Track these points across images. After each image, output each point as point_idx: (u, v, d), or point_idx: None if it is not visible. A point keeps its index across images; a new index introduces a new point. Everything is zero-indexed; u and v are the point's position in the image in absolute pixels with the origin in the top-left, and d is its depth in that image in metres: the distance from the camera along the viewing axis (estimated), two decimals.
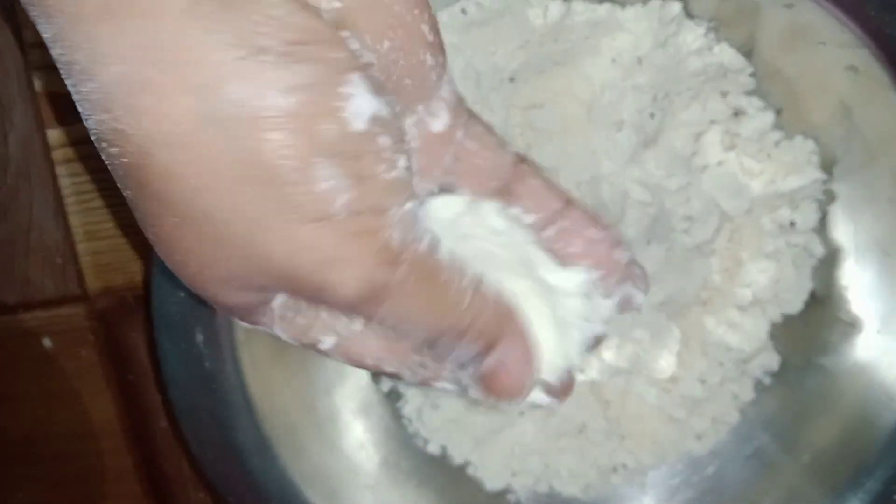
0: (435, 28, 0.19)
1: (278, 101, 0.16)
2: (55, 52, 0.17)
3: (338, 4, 0.17)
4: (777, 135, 0.31)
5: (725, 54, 0.30)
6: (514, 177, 0.23)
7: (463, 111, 0.21)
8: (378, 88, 0.18)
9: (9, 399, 0.35)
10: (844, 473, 0.31)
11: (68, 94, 0.31)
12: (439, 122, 0.21)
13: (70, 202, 0.33)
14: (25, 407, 0.35)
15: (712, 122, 0.31)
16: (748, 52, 0.30)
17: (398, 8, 0.18)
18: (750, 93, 0.31)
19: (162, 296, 0.29)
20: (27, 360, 0.34)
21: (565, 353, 0.23)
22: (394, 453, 0.33)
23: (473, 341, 0.20)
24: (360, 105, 0.17)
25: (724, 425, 0.33)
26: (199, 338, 0.29)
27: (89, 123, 0.17)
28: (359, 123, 0.17)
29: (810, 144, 0.30)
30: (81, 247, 0.33)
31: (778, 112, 0.31)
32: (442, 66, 0.20)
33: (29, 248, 0.33)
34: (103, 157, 0.17)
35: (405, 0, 0.18)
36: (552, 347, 0.22)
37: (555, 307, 0.22)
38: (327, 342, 0.21)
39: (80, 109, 0.17)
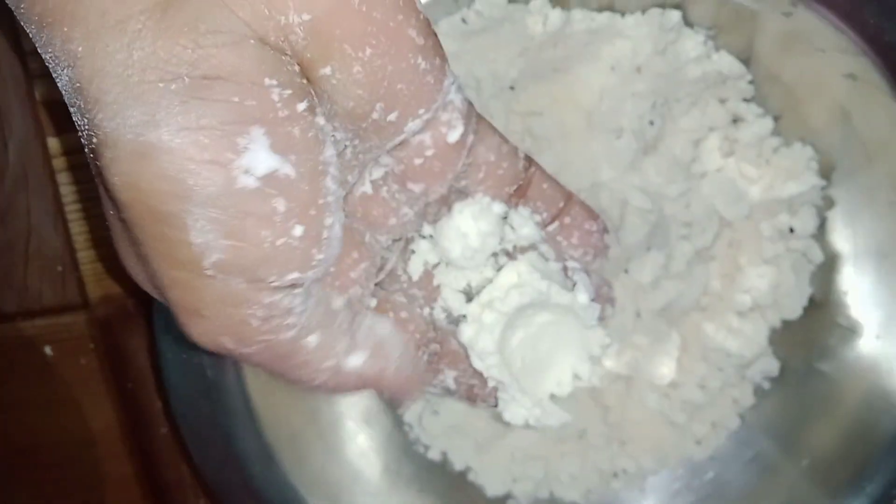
0: (425, 31, 0.19)
1: (170, 137, 0.16)
2: (38, 49, 0.17)
3: (307, 17, 0.17)
4: (776, 141, 0.31)
5: (724, 61, 0.30)
6: (525, 180, 0.24)
7: (473, 117, 0.22)
8: (286, 147, 0.17)
9: (9, 406, 0.35)
10: (845, 478, 0.31)
11: None
12: (454, 132, 0.21)
13: (71, 210, 0.33)
14: (26, 414, 0.35)
15: (711, 128, 0.31)
16: (747, 59, 0.30)
17: (378, 14, 0.17)
18: (748, 99, 0.31)
19: (163, 306, 0.29)
20: (28, 367, 0.34)
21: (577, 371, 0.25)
22: (395, 460, 0.33)
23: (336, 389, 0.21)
24: (255, 161, 0.16)
25: (724, 430, 0.33)
26: None
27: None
28: (249, 180, 0.16)
29: (809, 150, 0.31)
30: (82, 255, 0.33)
31: (776, 118, 0.31)
32: (440, 69, 0.19)
33: (28, 255, 0.33)
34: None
35: (386, 6, 0.18)
36: (567, 366, 0.25)
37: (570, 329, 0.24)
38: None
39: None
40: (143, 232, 0.17)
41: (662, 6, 0.29)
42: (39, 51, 0.17)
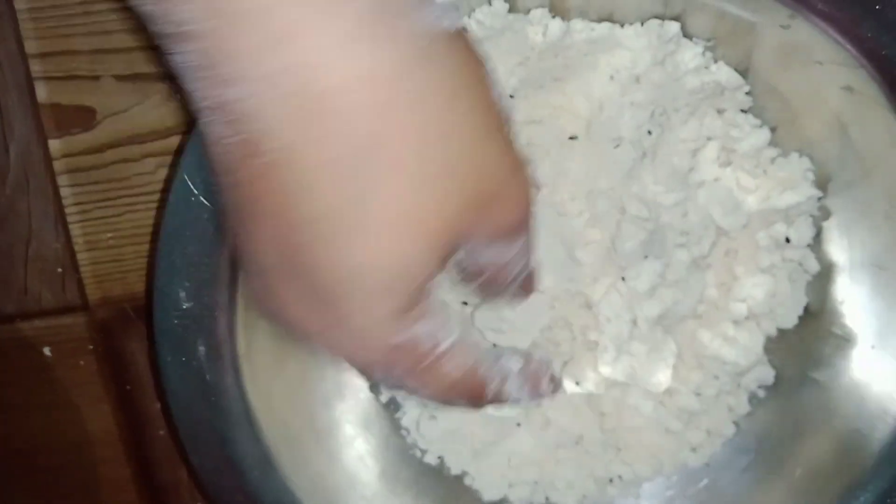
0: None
1: (455, 20, 0.17)
2: (155, 28, 0.16)
3: None
4: (773, 151, 0.31)
5: (722, 72, 0.31)
6: None
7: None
8: None
9: (7, 408, 0.35)
10: (839, 486, 0.31)
11: (69, 105, 0.31)
12: None
13: (71, 212, 0.33)
14: (24, 416, 0.35)
15: (709, 138, 0.31)
16: (745, 71, 0.30)
17: None
18: (746, 110, 0.31)
19: (163, 309, 0.29)
20: (26, 369, 0.35)
21: None
22: (392, 464, 0.33)
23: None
24: None
25: (720, 437, 0.33)
26: (201, 350, 0.29)
27: (195, 90, 0.16)
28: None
29: (806, 161, 0.31)
30: (82, 257, 0.33)
31: (774, 129, 0.31)
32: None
33: (28, 257, 0.33)
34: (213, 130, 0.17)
35: None
36: None
37: None
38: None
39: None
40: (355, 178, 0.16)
41: (661, 17, 0.30)
42: (162, 27, 0.16)
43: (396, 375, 0.20)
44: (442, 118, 0.17)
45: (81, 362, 0.35)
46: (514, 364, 0.24)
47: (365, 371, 0.21)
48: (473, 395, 0.22)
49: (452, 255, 0.19)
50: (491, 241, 0.20)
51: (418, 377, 0.20)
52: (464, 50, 0.18)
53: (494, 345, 0.28)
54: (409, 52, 0.16)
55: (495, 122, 0.18)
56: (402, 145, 0.17)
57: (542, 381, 0.25)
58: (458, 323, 0.22)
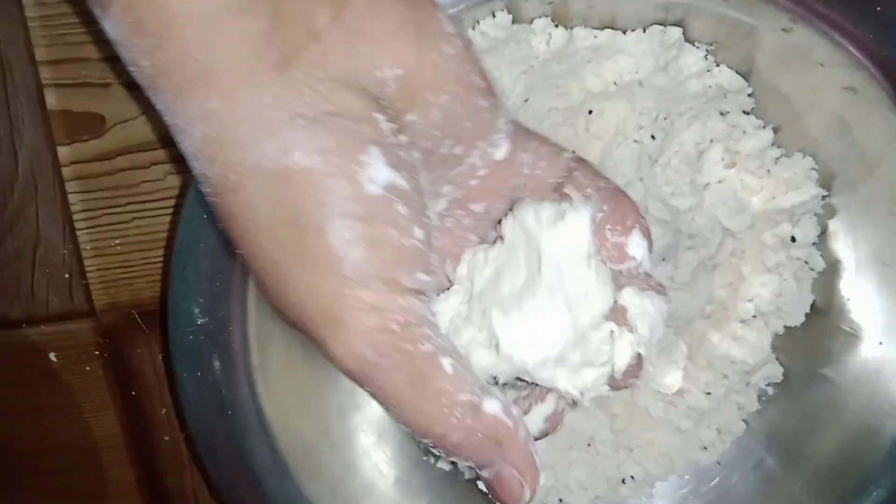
0: (483, 75, 0.21)
1: (303, 159, 0.19)
2: (166, 119, 0.20)
3: (399, 71, 0.20)
4: (776, 152, 0.31)
5: (724, 75, 0.31)
6: (569, 175, 0.24)
7: (521, 134, 0.23)
8: (397, 163, 0.19)
9: (14, 413, 0.35)
10: (849, 482, 0.31)
11: (79, 112, 0.32)
12: (500, 150, 0.23)
13: (79, 218, 0.33)
14: (30, 420, 0.35)
15: (713, 140, 0.31)
16: (747, 73, 0.30)
17: (451, 65, 0.20)
18: (749, 112, 0.31)
19: (178, 324, 0.29)
20: (33, 374, 0.34)
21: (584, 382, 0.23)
22: (406, 471, 0.33)
23: (465, 458, 0.20)
24: (376, 172, 0.19)
25: (730, 436, 0.33)
26: (216, 364, 0.30)
27: (193, 170, 0.20)
28: (374, 188, 0.19)
29: (809, 161, 0.31)
30: (89, 263, 0.33)
31: (777, 130, 0.31)
32: (494, 105, 0.22)
33: (36, 263, 0.33)
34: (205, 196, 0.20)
35: (456, 57, 0.20)
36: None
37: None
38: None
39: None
40: (287, 247, 0.19)
41: (663, 23, 0.30)
42: (167, 119, 0.20)
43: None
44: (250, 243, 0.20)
45: (88, 368, 0.34)
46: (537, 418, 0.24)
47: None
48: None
49: None
50: None
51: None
52: (295, 188, 0.19)
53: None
54: (241, 177, 0.19)
55: (334, 266, 0.19)
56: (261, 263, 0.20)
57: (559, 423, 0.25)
58: None
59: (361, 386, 0.20)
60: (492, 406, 0.20)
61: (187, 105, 0.19)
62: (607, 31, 0.31)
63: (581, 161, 0.24)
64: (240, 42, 0.18)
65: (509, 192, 0.23)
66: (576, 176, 0.24)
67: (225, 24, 0.18)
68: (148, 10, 0.18)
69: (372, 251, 0.19)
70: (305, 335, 0.20)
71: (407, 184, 0.20)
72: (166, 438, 0.35)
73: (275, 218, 0.19)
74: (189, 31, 0.18)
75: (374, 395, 0.20)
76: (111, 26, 0.19)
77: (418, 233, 0.20)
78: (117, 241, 0.33)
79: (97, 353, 0.34)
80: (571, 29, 0.30)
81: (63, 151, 0.32)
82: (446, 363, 0.20)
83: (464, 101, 0.21)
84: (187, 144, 0.20)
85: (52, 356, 0.34)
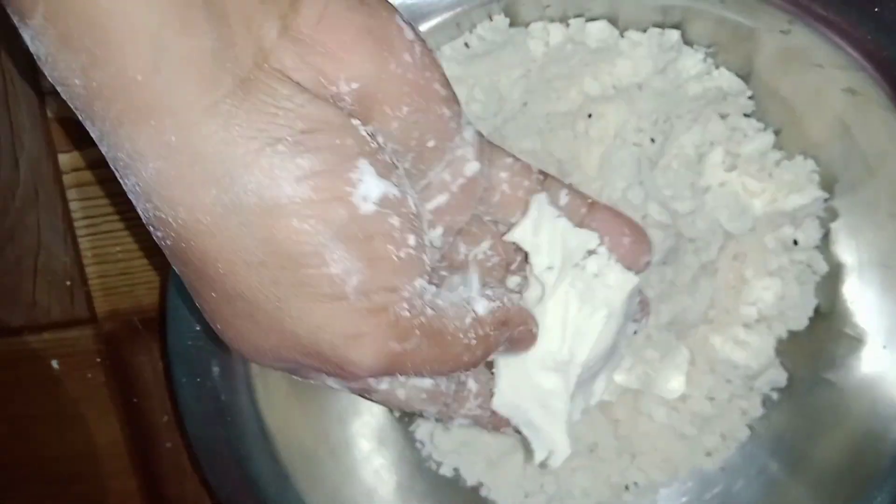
0: (446, 83, 0.20)
1: (291, 189, 0.17)
2: (102, 149, 0.18)
3: (355, 85, 0.19)
4: (777, 155, 0.31)
5: (724, 78, 0.31)
6: (542, 190, 0.24)
7: (486, 147, 0.23)
8: (385, 171, 0.19)
9: (16, 420, 0.35)
10: (854, 487, 0.31)
11: (80, 120, 0.32)
12: (470, 165, 0.22)
13: (80, 226, 0.33)
14: (32, 428, 0.35)
15: (713, 143, 0.31)
16: (746, 75, 0.30)
17: (411, 75, 0.19)
18: (749, 114, 0.31)
19: (177, 330, 0.29)
20: (34, 381, 0.34)
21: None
22: (408, 478, 0.33)
23: (486, 354, 0.22)
24: (369, 188, 0.18)
25: (734, 441, 0.33)
26: (215, 371, 0.30)
27: (139, 209, 0.18)
28: (368, 206, 0.18)
29: (810, 163, 0.31)
30: (90, 270, 0.33)
31: (777, 132, 0.31)
32: (458, 114, 0.21)
33: (37, 270, 0.33)
34: (154, 238, 0.19)
35: (417, 66, 0.19)
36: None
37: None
38: (382, 385, 0.22)
39: (129, 197, 0.18)
40: (281, 283, 0.18)
41: (661, 26, 0.30)
42: (106, 151, 0.18)
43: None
44: (237, 281, 0.18)
45: (89, 375, 0.34)
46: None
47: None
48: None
49: None
50: None
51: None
52: (282, 223, 0.18)
53: None
54: (214, 216, 0.18)
55: (310, 294, 0.18)
56: (246, 292, 0.19)
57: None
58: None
59: (393, 375, 0.20)
60: (482, 306, 0.22)
61: (134, 137, 0.17)
62: (606, 32, 0.30)
63: (550, 178, 0.25)
64: (187, 65, 0.17)
65: (475, 206, 0.23)
66: (551, 190, 0.24)
67: (167, 43, 0.16)
68: (78, 22, 0.16)
69: (372, 270, 0.19)
70: (312, 363, 0.19)
71: (397, 190, 0.19)
72: (168, 445, 0.35)
73: (264, 254, 0.18)
74: (127, 50, 0.16)
75: (405, 373, 0.20)
76: (33, 38, 0.17)
77: (412, 240, 0.19)
78: (118, 249, 0.33)
79: (98, 360, 0.34)
80: (569, 30, 0.30)
81: (64, 159, 0.32)
82: (449, 311, 0.21)
83: (425, 112, 0.20)
84: (133, 182, 0.18)
85: (53, 363, 0.34)
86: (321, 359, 0.19)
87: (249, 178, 0.17)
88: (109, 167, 0.32)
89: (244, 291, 0.18)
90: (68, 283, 0.33)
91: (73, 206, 0.32)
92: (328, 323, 0.19)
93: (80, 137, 0.32)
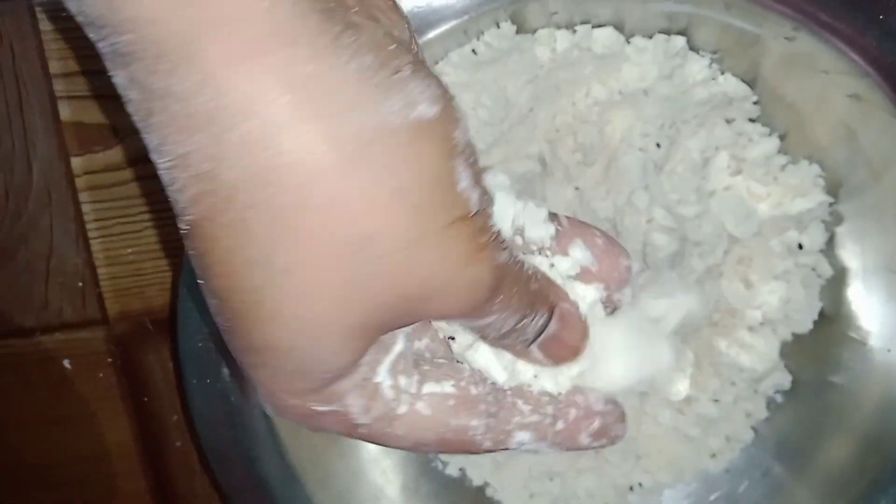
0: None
1: (428, 109, 0.17)
2: (190, 101, 0.16)
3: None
4: (783, 159, 0.31)
5: (729, 83, 0.31)
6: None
7: None
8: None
9: (27, 419, 0.35)
10: (858, 490, 0.31)
11: (92, 124, 0.32)
12: None
13: (91, 228, 0.33)
14: (44, 427, 0.35)
15: (718, 148, 0.32)
16: (752, 80, 0.31)
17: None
18: (754, 119, 0.31)
19: (187, 332, 0.30)
20: (47, 381, 0.35)
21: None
22: (414, 478, 0.34)
23: (543, 310, 0.21)
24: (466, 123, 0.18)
25: (739, 443, 0.33)
26: (225, 372, 0.30)
27: (233, 166, 0.16)
28: (468, 135, 0.18)
29: (815, 168, 0.31)
30: (102, 272, 0.34)
31: (783, 137, 0.31)
32: None
33: (49, 272, 0.34)
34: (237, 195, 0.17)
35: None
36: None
37: None
38: (402, 409, 0.20)
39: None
40: (423, 207, 0.17)
41: (667, 32, 0.30)
42: (196, 99, 0.16)
43: (334, 432, 0.20)
44: (376, 216, 0.17)
45: (100, 375, 0.35)
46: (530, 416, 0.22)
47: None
48: (459, 450, 0.21)
49: (380, 336, 0.19)
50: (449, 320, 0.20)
51: (362, 436, 0.20)
52: (426, 141, 0.17)
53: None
54: (359, 144, 0.16)
55: (445, 218, 0.18)
56: (331, 238, 0.17)
57: (580, 434, 0.23)
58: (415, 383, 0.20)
59: (483, 319, 0.19)
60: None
61: (254, 73, 0.15)
62: (612, 39, 0.31)
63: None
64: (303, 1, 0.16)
65: None
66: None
67: None
68: None
69: (480, 189, 0.18)
70: (419, 308, 0.18)
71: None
72: (178, 444, 0.35)
73: (409, 180, 0.17)
74: None
75: (487, 320, 0.19)
76: None
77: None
78: (129, 251, 0.34)
79: (110, 360, 0.35)
80: (576, 36, 0.30)
81: (76, 162, 0.32)
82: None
83: None
84: (253, 125, 0.15)
85: (65, 363, 0.35)
86: (435, 293, 0.18)
87: (393, 100, 0.16)
88: (120, 170, 0.33)
89: (381, 229, 0.17)
90: (80, 284, 0.34)
91: (85, 208, 0.33)
92: (459, 241, 0.18)
93: (91, 141, 0.32)
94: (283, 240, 0.17)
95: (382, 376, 0.20)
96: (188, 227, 0.18)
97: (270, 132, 0.16)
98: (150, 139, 0.17)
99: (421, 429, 0.20)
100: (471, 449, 0.21)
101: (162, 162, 0.17)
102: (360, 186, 0.16)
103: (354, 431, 0.20)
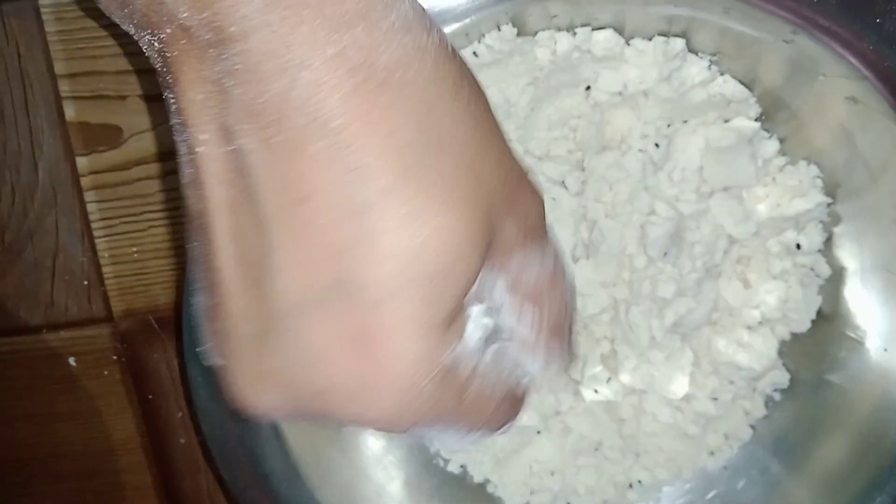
0: None
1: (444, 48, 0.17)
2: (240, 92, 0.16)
3: None
4: (781, 160, 0.32)
5: (728, 85, 0.31)
6: None
7: None
8: None
9: (34, 416, 0.36)
10: (855, 488, 0.31)
11: (97, 124, 0.32)
12: None
13: (97, 227, 0.33)
14: (50, 424, 0.36)
15: (717, 149, 0.32)
16: (751, 82, 0.31)
17: None
18: (753, 121, 0.32)
19: (192, 329, 0.30)
20: (52, 379, 0.35)
21: None
22: (416, 474, 0.34)
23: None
24: None
25: (737, 441, 0.34)
26: None
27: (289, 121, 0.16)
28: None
29: (814, 169, 0.31)
30: (107, 270, 0.34)
31: (782, 140, 0.32)
32: None
33: (55, 271, 0.34)
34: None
35: None
36: None
37: None
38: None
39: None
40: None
41: (666, 34, 0.30)
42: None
43: (442, 422, 0.18)
44: (467, 112, 0.18)
45: (106, 372, 0.35)
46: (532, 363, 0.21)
47: (406, 428, 0.18)
48: (515, 408, 0.20)
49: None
50: (522, 252, 0.19)
51: (464, 415, 0.18)
52: (458, 58, 0.18)
53: None
54: (438, 47, 0.17)
55: (499, 128, 0.19)
56: (450, 127, 0.17)
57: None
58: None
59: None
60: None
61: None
62: (612, 41, 0.31)
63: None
64: None
65: None
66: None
67: None
68: None
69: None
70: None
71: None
72: (182, 441, 0.36)
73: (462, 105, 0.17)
74: None
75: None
76: None
77: None
78: (134, 249, 0.34)
79: (115, 357, 0.35)
80: (575, 39, 0.31)
81: (81, 162, 0.32)
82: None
83: None
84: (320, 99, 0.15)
85: (71, 361, 0.35)
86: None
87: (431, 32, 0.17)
88: (125, 170, 0.33)
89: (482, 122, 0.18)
90: (86, 282, 0.34)
91: (90, 207, 0.33)
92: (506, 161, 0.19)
93: (97, 141, 0.32)
94: (415, 133, 0.17)
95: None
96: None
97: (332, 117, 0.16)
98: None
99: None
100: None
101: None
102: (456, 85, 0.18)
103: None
